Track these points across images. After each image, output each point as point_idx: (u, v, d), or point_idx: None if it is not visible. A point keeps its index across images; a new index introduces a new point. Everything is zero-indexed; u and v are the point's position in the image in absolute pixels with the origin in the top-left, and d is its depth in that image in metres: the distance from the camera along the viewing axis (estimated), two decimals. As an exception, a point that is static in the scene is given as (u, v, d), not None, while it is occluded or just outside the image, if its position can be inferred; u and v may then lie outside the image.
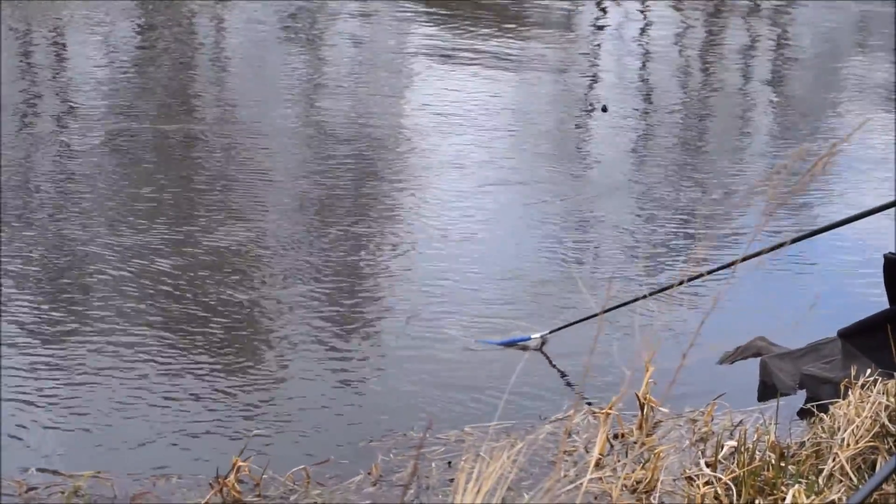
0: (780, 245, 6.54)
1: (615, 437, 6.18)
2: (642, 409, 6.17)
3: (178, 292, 7.81)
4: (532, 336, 7.33)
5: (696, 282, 7.65)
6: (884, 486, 5.52)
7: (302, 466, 5.78)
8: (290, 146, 11.16)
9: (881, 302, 6.73)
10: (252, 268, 8.24)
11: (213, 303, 7.68)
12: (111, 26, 15.82)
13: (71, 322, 7.37)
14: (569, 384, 6.98)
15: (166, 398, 6.56)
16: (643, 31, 18.12)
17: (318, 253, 8.56)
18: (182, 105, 12.49)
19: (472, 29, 16.62)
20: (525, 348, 7.26)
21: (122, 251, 8.37)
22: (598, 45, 17.02)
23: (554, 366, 7.14)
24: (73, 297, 7.71)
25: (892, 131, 12.55)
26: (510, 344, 7.30)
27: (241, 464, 5.68)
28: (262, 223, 9.04)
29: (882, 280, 6.66)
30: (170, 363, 6.93)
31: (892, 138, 12.25)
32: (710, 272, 7.15)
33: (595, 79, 14.82)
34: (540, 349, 7.28)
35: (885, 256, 6.58)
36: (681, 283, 7.07)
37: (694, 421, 6.41)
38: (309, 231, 8.97)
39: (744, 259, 6.56)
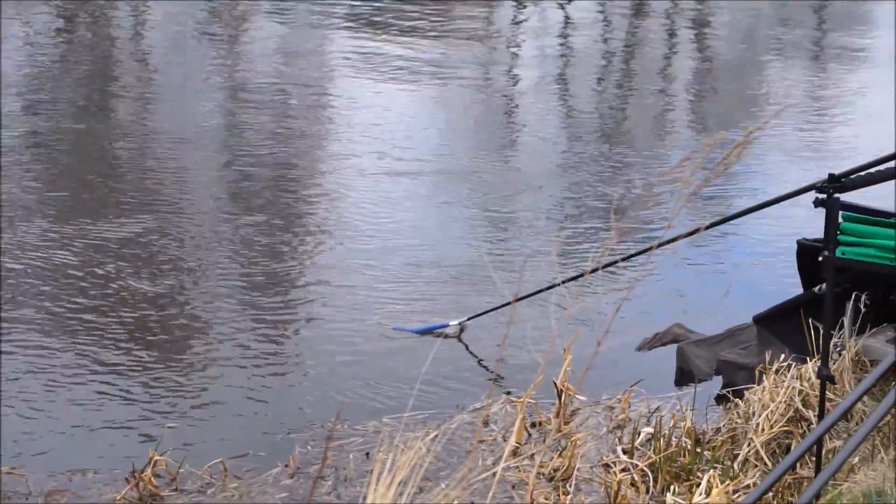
0: (690, 233, 6.55)
1: (533, 425, 6.19)
2: (560, 397, 6.18)
3: (86, 285, 7.72)
4: (450, 323, 7.32)
5: (614, 269, 7.69)
6: (798, 469, 5.57)
7: (219, 460, 5.75)
8: (206, 140, 11.09)
9: (796, 286, 6.79)
10: (165, 260, 8.17)
11: (124, 295, 7.60)
12: (30, 20, 15.66)
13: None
14: (488, 371, 6.98)
15: (80, 393, 6.49)
16: (565, 22, 18.18)
17: (234, 244, 8.51)
18: (99, 100, 12.38)
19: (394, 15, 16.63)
20: (443, 336, 7.25)
21: (28, 245, 8.27)
22: (520, 31, 17.08)
23: (472, 354, 7.14)
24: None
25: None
26: (427, 331, 7.29)
27: (157, 458, 5.63)
28: (178, 216, 8.97)
29: (795, 265, 6.73)
30: (82, 358, 6.85)
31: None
32: (622, 259, 7.19)
33: (515, 64, 14.87)
34: (458, 337, 7.27)
35: (798, 242, 6.64)
36: (594, 270, 7.10)
37: (611, 408, 6.44)
38: (226, 223, 8.92)
39: (655, 247, 6.62)
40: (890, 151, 6.30)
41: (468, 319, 7.33)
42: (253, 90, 12.85)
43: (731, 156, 4.16)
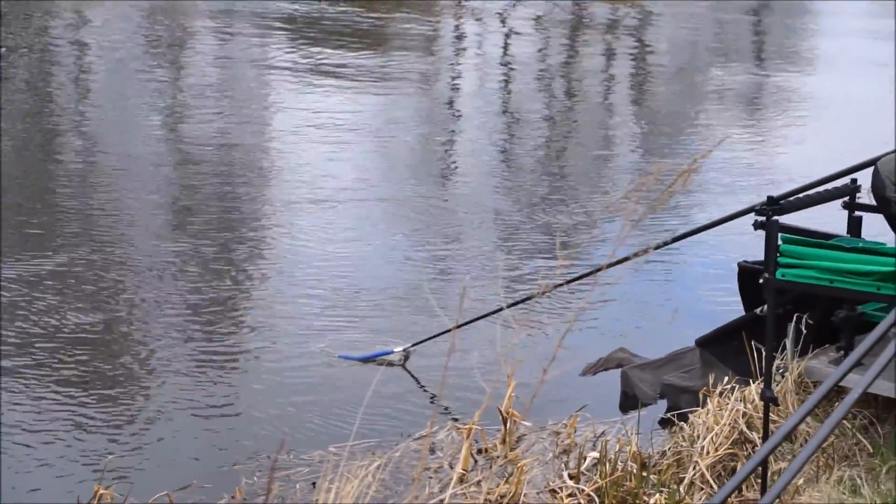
0: (624, 259, 6.60)
1: (479, 451, 6.18)
2: (505, 424, 6.18)
3: (26, 316, 7.66)
4: (394, 349, 7.31)
5: (557, 297, 7.72)
6: (744, 491, 5.60)
7: (164, 492, 5.69)
8: (143, 170, 11.02)
9: (737, 309, 6.84)
10: (102, 293, 8.10)
11: (66, 326, 7.54)
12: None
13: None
14: (433, 398, 6.97)
15: (22, 428, 6.41)
16: (505, 45, 18.26)
17: (173, 275, 8.46)
18: (37, 126, 12.31)
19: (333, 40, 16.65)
20: (388, 363, 7.23)
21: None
22: (459, 62, 17.13)
23: (417, 380, 7.14)
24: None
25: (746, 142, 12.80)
26: (371, 358, 7.27)
27: (102, 492, 5.58)
28: (115, 247, 8.91)
29: (737, 288, 6.77)
30: (22, 393, 6.77)
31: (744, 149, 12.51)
32: (564, 283, 7.21)
33: (457, 89, 14.92)
34: (403, 364, 7.27)
35: (739, 265, 6.68)
36: (533, 296, 7.12)
37: (557, 433, 6.44)
38: (165, 253, 8.87)
39: (592, 272, 6.66)
40: (826, 173, 6.39)
41: (413, 346, 7.33)
42: (192, 110, 12.81)
43: (675, 184, 4.19)
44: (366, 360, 7.27)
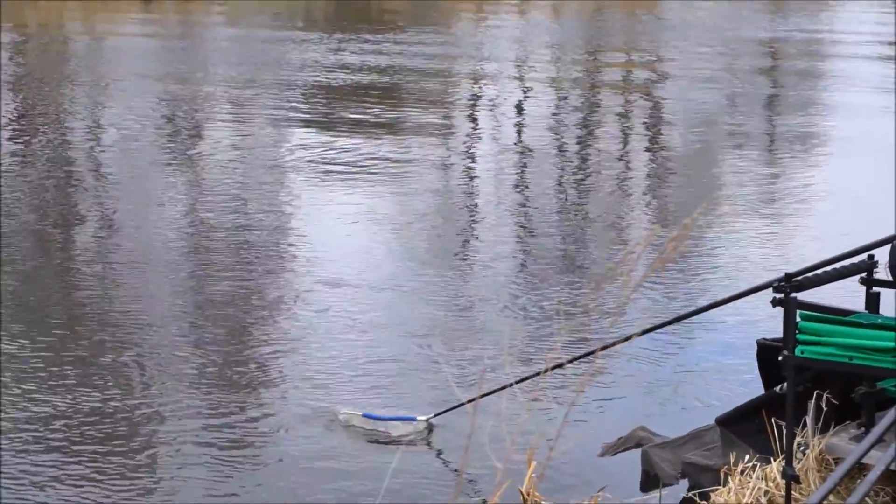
0: (633, 336, 6.59)
1: (500, 533, 6.13)
2: (525, 505, 6.14)
3: (43, 392, 7.68)
4: (418, 417, 7.31)
5: (572, 372, 7.69)
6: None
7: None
8: (161, 257, 11.05)
9: (757, 386, 6.81)
10: (130, 368, 8.13)
11: (74, 407, 7.54)
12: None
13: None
14: (450, 480, 6.93)
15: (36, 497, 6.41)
16: (519, 109, 18.34)
17: (196, 348, 8.49)
18: (57, 216, 12.37)
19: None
20: (410, 441, 7.22)
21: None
22: (474, 139, 17.24)
23: (441, 457, 7.12)
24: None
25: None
26: (395, 420, 7.34)
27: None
28: (136, 331, 8.94)
29: (756, 365, 6.74)
30: (31, 469, 6.77)
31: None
32: (570, 361, 7.18)
33: (472, 172, 14.99)
34: (422, 438, 7.25)
35: (758, 343, 6.66)
36: (546, 370, 7.09)
37: (578, 513, 6.39)
38: (188, 325, 8.89)
39: (604, 348, 6.64)
40: (845, 248, 6.38)
41: (435, 416, 7.31)
42: (209, 201, 12.86)
43: (667, 250, 4.19)
44: (389, 420, 7.33)
